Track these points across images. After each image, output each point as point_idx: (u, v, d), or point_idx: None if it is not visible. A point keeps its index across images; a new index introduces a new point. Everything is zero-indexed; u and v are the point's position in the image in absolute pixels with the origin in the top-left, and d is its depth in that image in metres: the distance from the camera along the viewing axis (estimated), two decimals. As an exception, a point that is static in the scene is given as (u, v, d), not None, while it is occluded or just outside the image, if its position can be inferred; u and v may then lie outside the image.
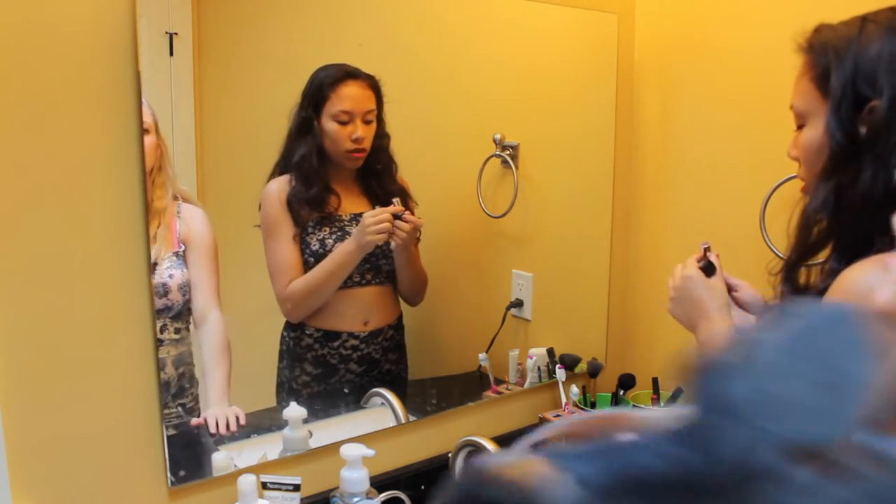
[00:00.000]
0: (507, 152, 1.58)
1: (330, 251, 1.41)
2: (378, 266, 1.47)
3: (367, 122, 1.42)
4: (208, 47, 1.21)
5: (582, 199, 1.74)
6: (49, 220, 1.02)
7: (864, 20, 0.88)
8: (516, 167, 1.58)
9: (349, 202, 1.43)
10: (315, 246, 1.40)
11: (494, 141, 1.57)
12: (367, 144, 1.42)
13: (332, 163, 1.41)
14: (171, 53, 1.15)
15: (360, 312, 1.47)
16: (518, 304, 1.65)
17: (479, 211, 1.58)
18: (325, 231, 1.41)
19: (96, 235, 1.06)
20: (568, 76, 1.66)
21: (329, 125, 1.39)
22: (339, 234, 1.42)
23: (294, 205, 1.38)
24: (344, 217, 1.42)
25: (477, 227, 1.59)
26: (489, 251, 1.65)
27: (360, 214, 1.43)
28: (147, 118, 1.11)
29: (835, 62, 0.88)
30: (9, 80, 0.97)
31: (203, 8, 1.19)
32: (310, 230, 1.40)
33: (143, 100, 1.09)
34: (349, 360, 1.46)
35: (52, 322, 1.04)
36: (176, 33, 1.15)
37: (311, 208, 1.40)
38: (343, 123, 1.39)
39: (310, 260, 1.40)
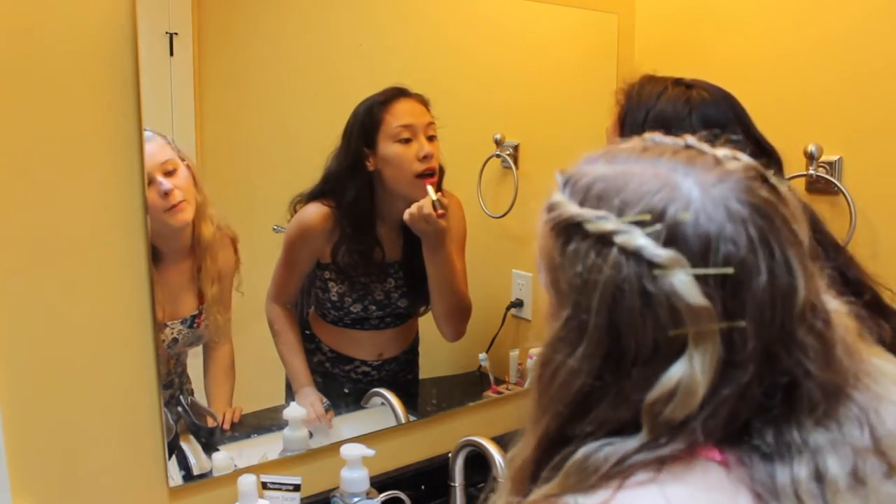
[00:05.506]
0: (507, 152, 1.58)
1: (346, 309, 1.38)
2: (397, 312, 1.45)
3: (430, 140, 1.31)
4: (208, 47, 1.21)
5: (582, 199, 1.73)
6: (49, 219, 1.02)
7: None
8: (516, 167, 1.58)
9: (389, 252, 1.39)
10: (334, 298, 1.37)
11: (494, 141, 1.57)
12: (436, 164, 1.32)
13: (382, 208, 1.35)
14: (171, 53, 1.15)
15: (376, 347, 1.46)
16: (518, 304, 1.65)
17: (479, 211, 1.58)
18: (344, 286, 1.35)
19: (96, 235, 1.06)
20: (568, 76, 1.66)
21: (390, 148, 1.28)
22: (361, 292, 1.39)
23: (340, 252, 1.32)
24: (376, 266, 1.36)
25: (477, 227, 1.59)
26: (489, 251, 1.65)
27: (394, 264, 1.41)
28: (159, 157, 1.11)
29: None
30: (9, 80, 0.97)
31: (203, 8, 1.19)
32: (334, 277, 1.35)
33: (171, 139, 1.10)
34: (359, 382, 1.45)
35: (52, 322, 1.04)
36: (176, 33, 1.15)
37: (357, 260, 1.33)
38: (406, 142, 1.29)
39: (325, 304, 1.39)
